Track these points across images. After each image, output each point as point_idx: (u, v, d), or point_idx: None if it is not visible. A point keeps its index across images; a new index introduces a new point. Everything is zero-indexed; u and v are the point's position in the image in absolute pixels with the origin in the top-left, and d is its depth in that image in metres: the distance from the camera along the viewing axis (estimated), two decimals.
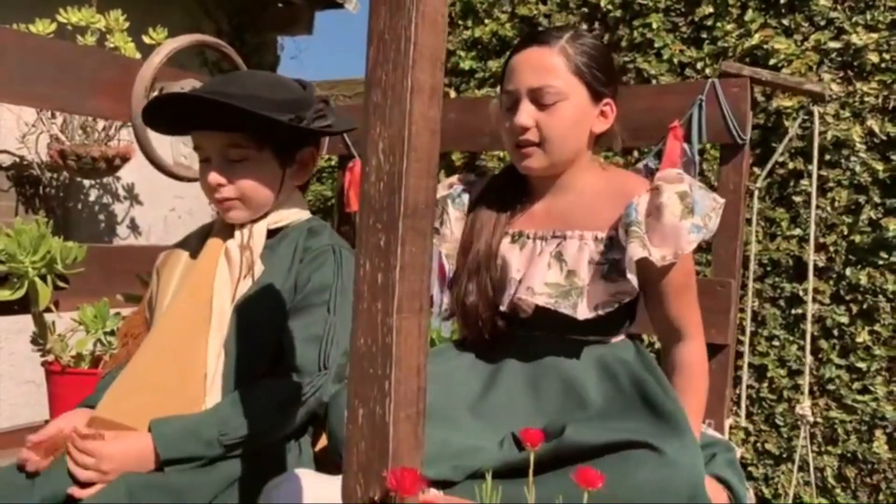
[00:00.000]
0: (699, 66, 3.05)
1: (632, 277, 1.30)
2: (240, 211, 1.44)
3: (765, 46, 2.91)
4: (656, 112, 1.79)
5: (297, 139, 1.45)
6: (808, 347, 2.29)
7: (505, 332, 1.40)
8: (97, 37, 2.76)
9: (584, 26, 3.29)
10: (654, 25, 3.12)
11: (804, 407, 1.81)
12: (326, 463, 1.38)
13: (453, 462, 1.21)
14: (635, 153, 3.03)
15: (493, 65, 3.49)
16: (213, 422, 1.29)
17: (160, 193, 1.66)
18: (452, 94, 3.55)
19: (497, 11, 3.49)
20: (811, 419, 1.97)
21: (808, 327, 2.35)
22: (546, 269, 1.37)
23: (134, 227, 3.46)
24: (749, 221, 2.00)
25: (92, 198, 3.28)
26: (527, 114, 1.35)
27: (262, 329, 1.40)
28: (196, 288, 1.41)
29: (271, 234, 1.48)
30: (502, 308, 1.38)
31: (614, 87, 1.42)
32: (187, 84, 1.74)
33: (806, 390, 1.98)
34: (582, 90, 1.36)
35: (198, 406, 1.33)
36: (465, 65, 3.55)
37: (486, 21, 3.52)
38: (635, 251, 1.29)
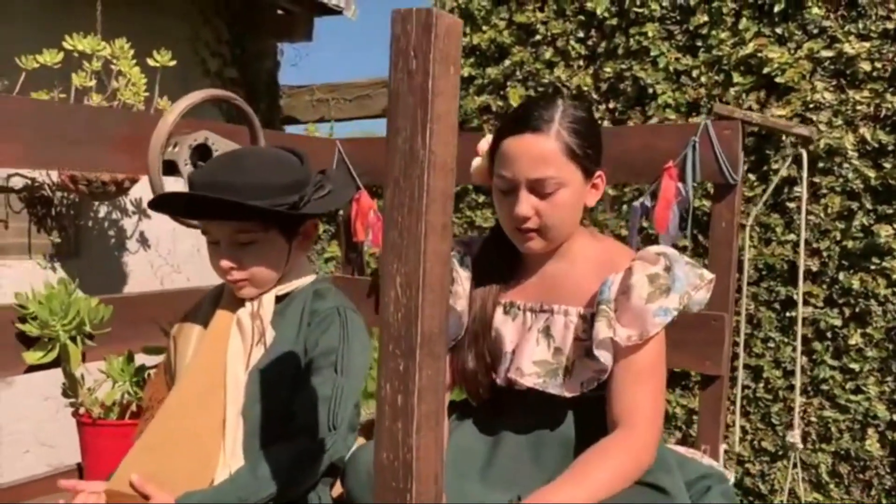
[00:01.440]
0: (694, 73, 3.10)
1: (600, 354, 1.34)
2: (251, 289, 1.51)
3: (759, 55, 2.96)
4: (651, 151, 1.85)
5: (301, 215, 1.50)
6: (798, 349, 2.37)
7: (504, 397, 1.48)
8: (102, 62, 2.81)
9: (581, 34, 3.34)
10: (650, 34, 3.16)
11: (794, 435, 1.90)
12: None
13: None
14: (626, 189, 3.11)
15: (492, 72, 3.54)
16: (231, 489, 1.37)
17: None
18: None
19: (495, 18, 3.53)
20: (800, 447, 2.06)
21: (800, 330, 2.42)
22: (535, 346, 1.43)
23: (143, 240, 3.54)
24: (741, 261, 2.06)
25: (101, 214, 3.36)
26: (527, 204, 1.37)
27: (276, 394, 1.48)
28: (211, 357, 1.48)
29: (279, 298, 1.56)
30: (498, 381, 1.46)
31: (602, 158, 1.45)
32: (200, 136, 1.81)
33: (796, 409, 2.06)
34: (577, 173, 1.39)
35: (212, 472, 1.41)
36: (465, 71, 3.60)
37: (485, 28, 3.56)
38: (600, 330, 1.34)
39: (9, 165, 1.69)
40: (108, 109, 2.25)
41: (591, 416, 1.41)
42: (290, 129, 4.79)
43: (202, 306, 1.60)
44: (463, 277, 1.52)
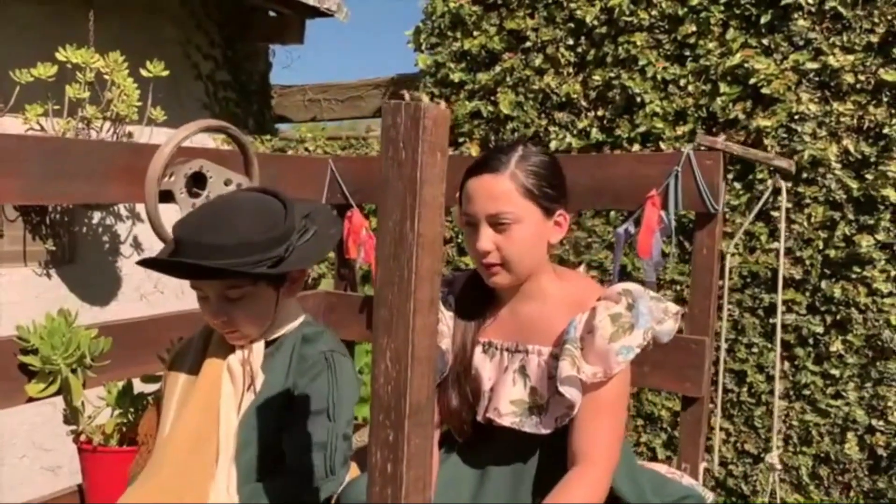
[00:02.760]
0: (682, 83, 3.14)
1: (566, 390, 1.41)
2: (240, 335, 1.55)
3: (745, 65, 3.00)
4: (635, 179, 1.90)
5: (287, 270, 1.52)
6: (777, 362, 2.43)
7: (485, 432, 1.55)
8: (95, 73, 2.83)
9: (571, 41, 3.37)
10: (639, 43, 3.20)
11: (773, 456, 1.96)
12: None
13: None
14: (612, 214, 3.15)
15: (483, 77, 3.56)
16: None
17: (161, 211, 1.76)
18: (442, 104, 3.64)
19: (486, 24, 3.56)
20: (779, 468, 2.13)
21: (778, 344, 2.49)
22: (511, 386, 1.50)
23: (137, 244, 3.58)
24: (723, 270, 2.11)
25: (95, 220, 3.38)
26: (486, 238, 1.45)
27: (265, 439, 1.52)
28: (202, 402, 1.52)
29: (268, 343, 1.59)
30: (479, 419, 1.53)
31: (565, 199, 1.52)
32: (196, 165, 1.84)
33: (774, 432, 2.13)
34: (534, 210, 1.46)
35: None
36: (455, 77, 3.63)
37: (475, 34, 3.58)
38: (564, 369, 1.41)
39: (9, 201, 1.72)
40: (107, 143, 2.28)
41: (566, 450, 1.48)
42: (283, 127, 4.81)
43: (193, 341, 1.64)
44: (447, 316, 1.59)
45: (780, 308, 2.19)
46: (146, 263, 1.49)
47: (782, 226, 2.06)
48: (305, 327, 1.62)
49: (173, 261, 1.45)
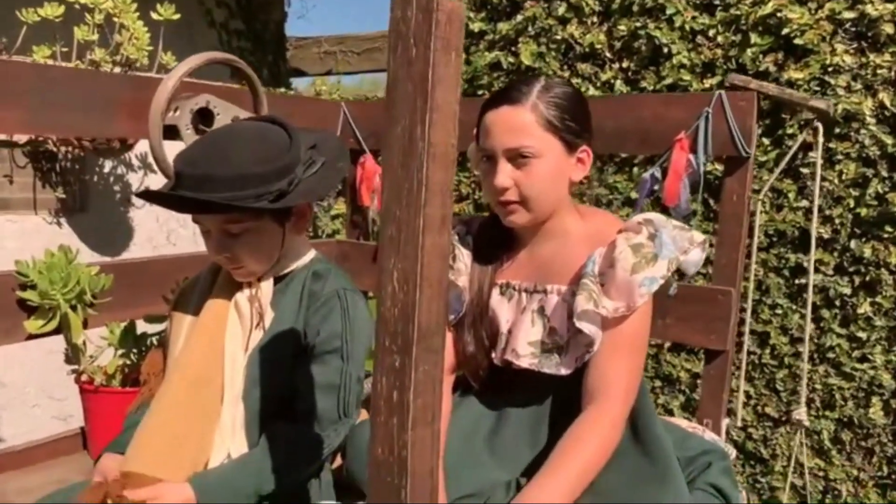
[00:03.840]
0: (711, 33, 3.02)
1: (584, 326, 1.34)
2: (246, 271, 1.48)
3: (778, 15, 2.87)
4: (662, 121, 1.80)
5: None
6: (808, 318, 2.34)
7: (503, 376, 1.48)
8: (105, 15, 2.76)
9: None
10: None
11: (801, 412, 1.88)
12: (343, 483, 1.49)
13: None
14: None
15: (504, 27, 3.45)
16: (247, 473, 1.38)
17: (168, 149, 1.70)
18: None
19: None
20: (807, 424, 2.05)
21: (810, 300, 2.39)
22: (530, 327, 1.43)
23: None
24: (751, 229, 2.02)
25: (107, 169, 3.33)
26: (505, 174, 1.38)
27: (276, 376, 1.46)
28: (208, 340, 1.46)
29: (277, 279, 1.53)
30: (496, 362, 1.46)
31: (589, 134, 1.43)
32: (202, 100, 1.77)
33: (804, 385, 2.05)
34: (556, 144, 1.38)
35: (212, 454, 1.41)
36: (475, 26, 3.52)
37: None
38: (580, 303, 1.34)
39: (9, 131, 1.66)
40: (111, 74, 2.21)
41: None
42: (297, 81, 4.72)
43: (200, 279, 1.58)
44: (465, 255, 1.52)
45: (813, 254, 2.09)
46: (144, 196, 1.42)
47: (818, 171, 1.95)
48: (316, 264, 1.56)
49: (168, 194, 1.38)
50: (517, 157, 1.37)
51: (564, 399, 1.43)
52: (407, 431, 0.82)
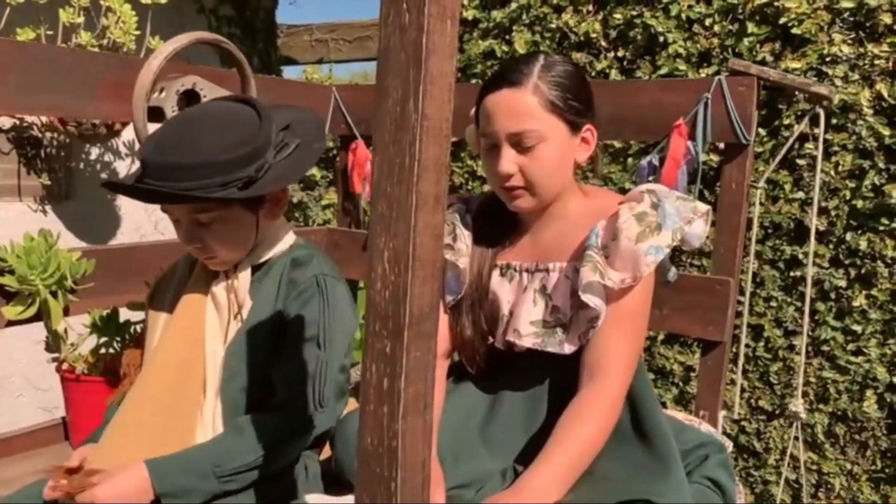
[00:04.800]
0: (707, 22, 2.98)
1: (589, 299, 1.30)
2: (219, 261, 1.43)
3: (775, 4, 2.83)
4: (661, 107, 1.76)
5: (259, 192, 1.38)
6: (807, 312, 2.31)
7: (500, 362, 1.44)
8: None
9: None
10: None
11: (797, 403, 1.86)
12: (332, 475, 1.45)
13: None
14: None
15: (497, 15, 3.40)
16: (205, 455, 1.32)
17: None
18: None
19: None
20: (804, 416, 2.03)
21: (808, 293, 2.37)
22: (532, 306, 1.39)
23: None
24: (750, 221, 1.99)
25: (93, 156, 3.27)
26: (509, 160, 1.34)
27: (254, 367, 1.41)
28: (186, 331, 1.41)
29: (255, 268, 1.48)
30: (497, 345, 1.42)
31: (592, 112, 1.40)
32: (189, 82, 1.72)
33: (800, 377, 2.02)
34: (560, 126, 1.34)
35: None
36: (469, 14, 3.47)
37: None
38: (585, 275, 1.30)
39: None
40: (95, 53, 2.15)
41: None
42: (288, 70, 4.66)
43: (177, 269, 1.53)
44: (465, 235, 1.48)
45: (812, 245, 2.06)
46: (109, 186, 1.37)
47: (819, 159, 1.91)
48: (296, 250, 1.50)
49: (132, 186, 1.32)
50: (521, 142, 1.33)
51: (561, 384, 1.39)
52: (397, 421, 0.78)
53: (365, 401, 0.80)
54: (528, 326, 1.39)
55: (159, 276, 1.56)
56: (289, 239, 1.52)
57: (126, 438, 1.35)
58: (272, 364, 1.42)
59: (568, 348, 1.36)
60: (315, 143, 1.42)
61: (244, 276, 1.44)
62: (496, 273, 1.46)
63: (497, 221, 1.47)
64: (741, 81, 1.69)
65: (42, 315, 1.54)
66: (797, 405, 1.88)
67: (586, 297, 1.30)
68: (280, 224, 1.51)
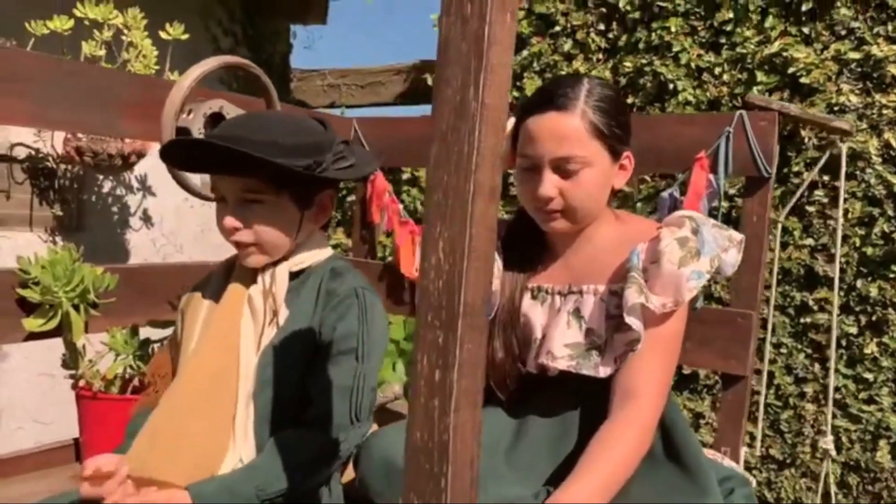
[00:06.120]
0: (717, 71, 3.04)
1: (632, 321, 1.29)
2: (257, 256, 1.43)
3: (784, 54, 2.89)
4: (679, 140, 1.78)
5: (316, 183, 1.42)
6: (833, 355, 2.31)
7: (530, 386, 1.42)
8: (114, 31, 2.74)
9: (602, 26, 3.27)
10: (673, 28, 3.10)
11: (828, 441, 1.83)
12: (353, 495, 1.41)
13: None
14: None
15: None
16: (248, 478, 1.30)
17: (172, 184, 1.66)
18: None
19: None
20: (834, 454, 1.99)
21: (834, 345, 2.36)
22: (566, 329, 1.38)
23: (146, 217, 3.47)
24: (771, 253, 2.00)
25: (106, 189, 3.28)
26: (550, 184, 1.33)
27: (289, 377, 1.40)
28: (221, 337, 1.40)
29: (293, 276, 1.47)
30: (530, 370, 1.41)
31: (629, 137, 1.40)
32: (216, 105, 1.74)
33: (829, 417, 2.00)
34: (604, 153, 1.34)
35: (224, 455, 1.34)
36: None
37: None
38: (631, 296, 1.28)
39: (16, 123, 1.62)
40: (121, 73, 2.18)
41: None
42: None
43: (212, 279, 1.52)
44: (495, 258, 1.47)
45: (837, 283, 2.05)
46: (166, 148, 1.37)
47: (842, 191, 1.93)
48: (334, 261, 1.50)
49: (193, 140, 1.34)
50: (564, 167, 1.32)
51: (591, 409, 1.37)
52: (449, 414, 0.76)
53: (415, 394, 0.78)
54: (562, 349, 1.37)
55: (195, 284, 1.55)
56: (327, 251, 1.52)
57: (161, 446, 1.32)
58: (307, 373, 1.40)
59: (604, 371, 1.34)
60: (368, 167, 1.46)
61: (282, 281, 1.43)
62: (527, 296, 1.44)
63: (527, 244, 1.46)
64: (762, 116, 1.72)
65: (63, 329, 1.53)
66: (827, 442, 1.85)
67: (630, 320, 1.28)
68: (320, 235, 1.52)
